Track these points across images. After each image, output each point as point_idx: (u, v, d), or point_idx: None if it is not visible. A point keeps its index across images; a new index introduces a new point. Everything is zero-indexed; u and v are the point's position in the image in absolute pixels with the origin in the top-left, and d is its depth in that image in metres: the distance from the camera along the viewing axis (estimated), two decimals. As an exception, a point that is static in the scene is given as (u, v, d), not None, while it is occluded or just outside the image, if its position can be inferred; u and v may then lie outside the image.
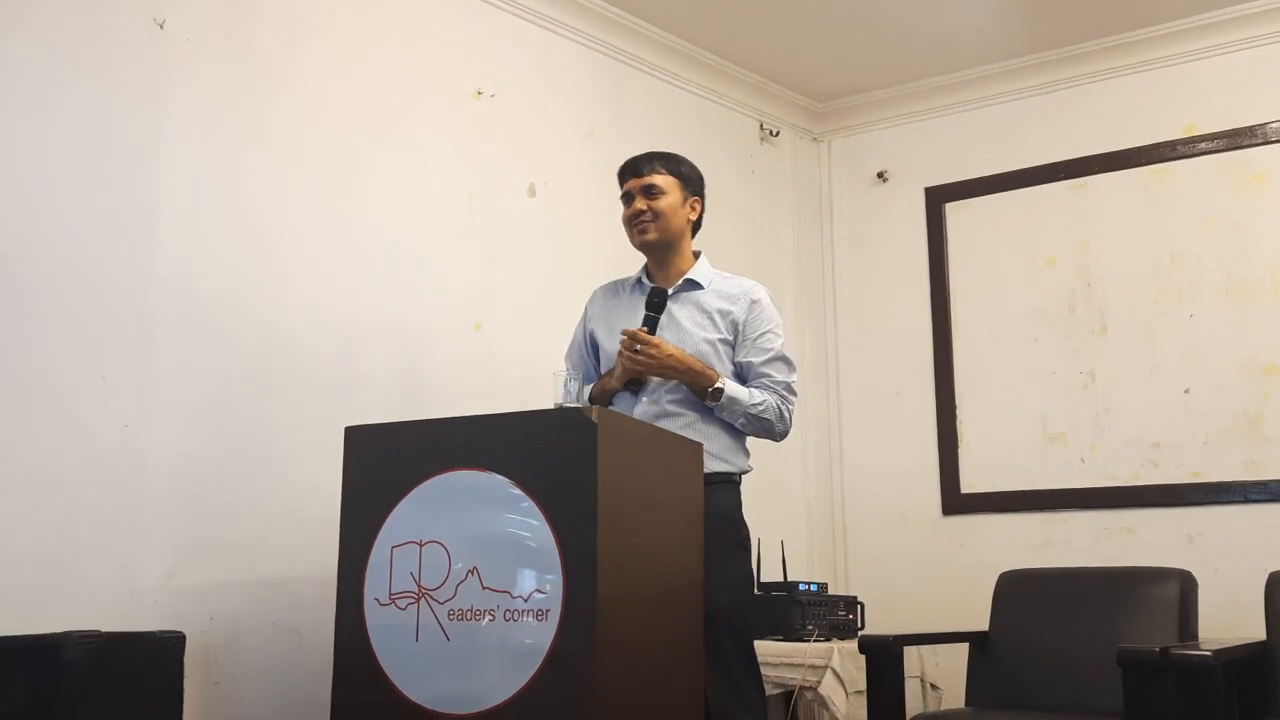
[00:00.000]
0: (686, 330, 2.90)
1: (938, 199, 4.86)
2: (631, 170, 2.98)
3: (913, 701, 3.72)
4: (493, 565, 2.30)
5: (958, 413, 4.70)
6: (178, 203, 2.98)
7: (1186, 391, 4.24)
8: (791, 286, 4.98)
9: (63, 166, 2.78)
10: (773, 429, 2.90)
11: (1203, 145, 4.33)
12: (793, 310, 4.97)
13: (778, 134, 4.98)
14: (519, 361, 3.24)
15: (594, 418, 2.24)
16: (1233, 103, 4.28)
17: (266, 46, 3.23)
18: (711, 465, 2.78)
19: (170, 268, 2.94)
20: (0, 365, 2.63)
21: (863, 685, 3.46)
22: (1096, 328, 4.45)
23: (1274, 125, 4.21)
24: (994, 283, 4.69)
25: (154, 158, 2.95)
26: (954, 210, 4.83)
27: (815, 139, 5.18)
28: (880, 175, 5.02)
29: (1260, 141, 4.22)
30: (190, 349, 2.96)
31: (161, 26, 3.00)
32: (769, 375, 2.91)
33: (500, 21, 3.89)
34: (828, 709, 3.86)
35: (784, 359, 2.94)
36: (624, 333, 2.81)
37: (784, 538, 4.38)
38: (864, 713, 3.43)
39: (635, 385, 2.85)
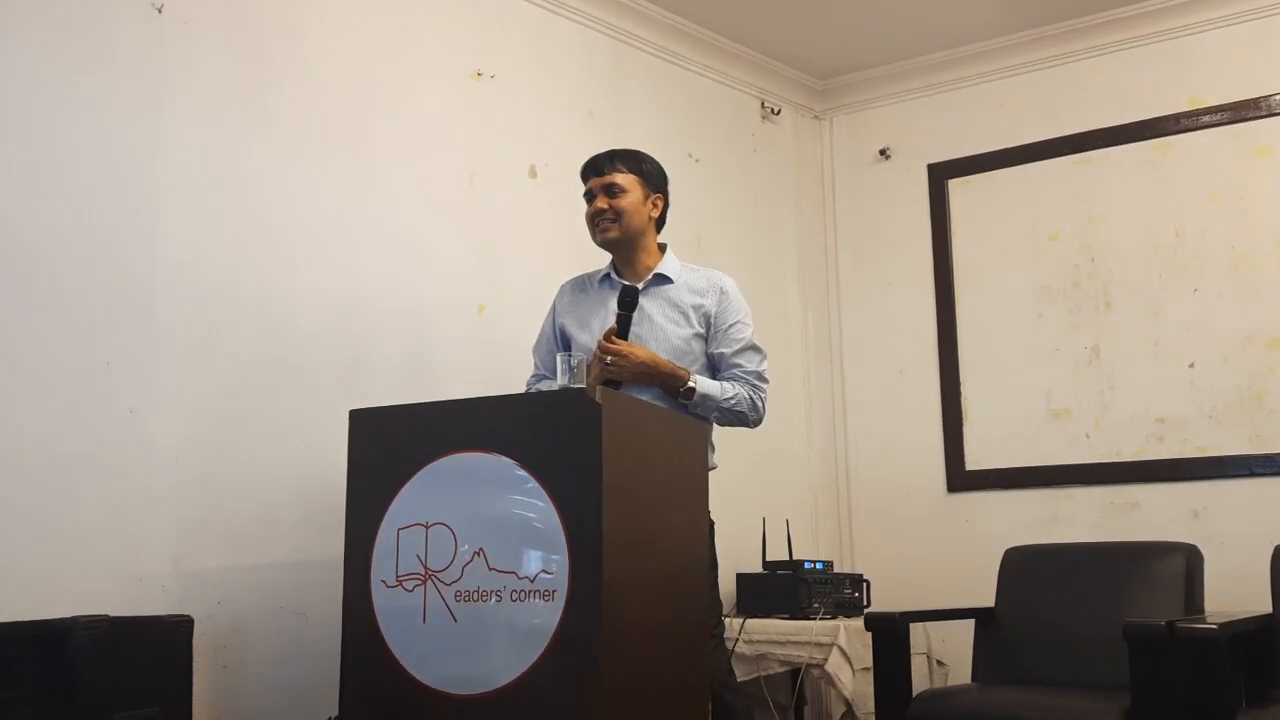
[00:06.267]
0: (660, 327, 2.92)
1: (940, 175, 4.85)
2: (593, 169, 2.99)
3: (919, 678, 3.73)
4: (499, 546, 2.30)
5: (962, 389, 4.69)
6: (179, 187, 2.98)
7: (1191, 366, 4.23)
8: (794, 265, 4.97)
9: (63, 153, 2.78)
10: (746, 419, 2.95)
11: (1206, 118, 4.30)
12: (795, 289, 4.97)
13: (779, 112, 4.96)
14: (522, 343, 3.23)
15: (598, 398, 2.24)
16: (1236, 75, 4.25)
17: (265, 30, 3.22)
18: None
19: (172, 253, 2.94)
20: (3, 352, 2.63)
21: (869, 662, 3.47)
22: (1100, 303, 4.44)
23: (1278, 98, 4.18)
24: (997, 259, 4.68)
25: (154, 143, 2.94)
26: (957, 186, 4.81)
27: (817, 117, 5.16)
28: (882, 152, 5.00)
29: (1264, 114, 4.20)
30: (193, 334, 2.96)
31: (160, 11, 2.99)
32: (740, 365, 2.94)
33: (499, 2, 3.87)
34: (834, 686, 3.88)
35: (754, 347, 2.97)
36: (599, 343, 2.82)
37: (789, 516, 4.39)
38: (871, 690, 3.44)
39: (612, 385, 2.86)
